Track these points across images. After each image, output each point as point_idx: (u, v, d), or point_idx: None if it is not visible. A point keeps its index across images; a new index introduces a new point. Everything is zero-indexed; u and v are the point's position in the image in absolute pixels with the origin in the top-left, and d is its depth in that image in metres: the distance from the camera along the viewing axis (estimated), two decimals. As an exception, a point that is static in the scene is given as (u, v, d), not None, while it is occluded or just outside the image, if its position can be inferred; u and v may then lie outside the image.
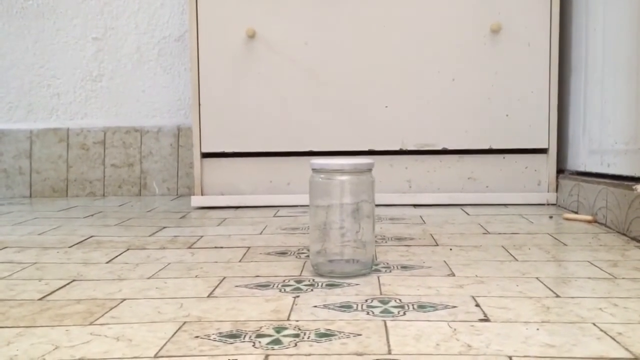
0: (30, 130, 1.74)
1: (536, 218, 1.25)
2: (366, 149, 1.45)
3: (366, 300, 0.70)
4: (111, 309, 0.68)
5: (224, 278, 0.81)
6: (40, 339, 0.58)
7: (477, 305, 0.67)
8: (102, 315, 0.66)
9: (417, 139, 1.44)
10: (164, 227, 1.21)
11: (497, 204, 1.43)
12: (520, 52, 1.41)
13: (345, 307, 0.67)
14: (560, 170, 1.44)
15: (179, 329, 0.61)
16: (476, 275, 0.80)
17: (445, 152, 1.45)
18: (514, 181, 1.44)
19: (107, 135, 1.73)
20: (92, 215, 1.39)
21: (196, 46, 1.45)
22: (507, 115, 1.42)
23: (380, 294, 0.73)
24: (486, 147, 1.43)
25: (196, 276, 0.83)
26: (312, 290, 0.75)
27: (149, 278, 0.82)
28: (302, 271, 0.84)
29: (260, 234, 1.13)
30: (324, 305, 0.68)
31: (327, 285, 0.77)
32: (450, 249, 0.97)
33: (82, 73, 1.75)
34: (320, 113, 1.45)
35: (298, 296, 0.72)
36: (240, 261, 0.91)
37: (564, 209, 1.35)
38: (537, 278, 0.78)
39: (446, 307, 0.67)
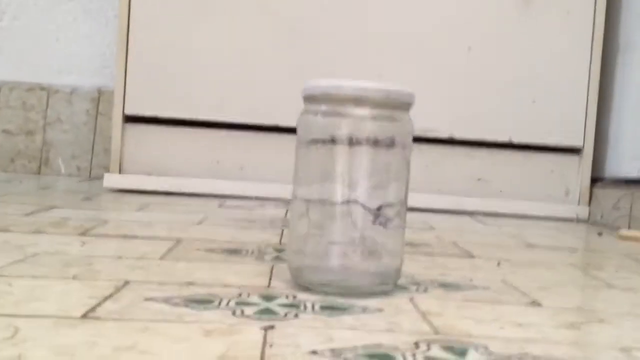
0: None
1: (582, 234, 0.93)
2: (348, 130, 1.09)
3: (415, 345, 0.33)
4: None
5: (127, 283, 0.43)
6: None
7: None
8: None
9: (415, 121, 1.10)
10: (53, 208, 0.81)
11: (510, 214, 1.09)
12: (556, 22, 1.10)
13: (380, 357, 0.31)
14: (594, 179, 1.12)
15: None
16: (579, 307, 0.46)
17: (451, 141, 1.11)
18: (535, 187, 1.11)
19: (2, 91, 1.31)
20: (-44, 187, 0.97)
21: (131, -27, 1.06)
22: (533, 102, 1.10)
23: (435, 332, 0.37)
24: (505, 139, 1.10)
25: (74, 277, 0.44)
26: (296, 316, 0.38)
27: (-21, 274, 0.43)
28: (270, 280, 0.47)
29: (199, 224, 0.75)
30: (331, 351, 0.31)
31: (322, 307, 0.40)
32: (498, 264, 0.62)
33: (-22, 9, 1.32)
34: (294, 79, 1.08)
35: (271, 327, 0.35)
36: (161, 258, 0.53)
37: (601, 227, 1.03)
38: (693, 318, 0.44)
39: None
